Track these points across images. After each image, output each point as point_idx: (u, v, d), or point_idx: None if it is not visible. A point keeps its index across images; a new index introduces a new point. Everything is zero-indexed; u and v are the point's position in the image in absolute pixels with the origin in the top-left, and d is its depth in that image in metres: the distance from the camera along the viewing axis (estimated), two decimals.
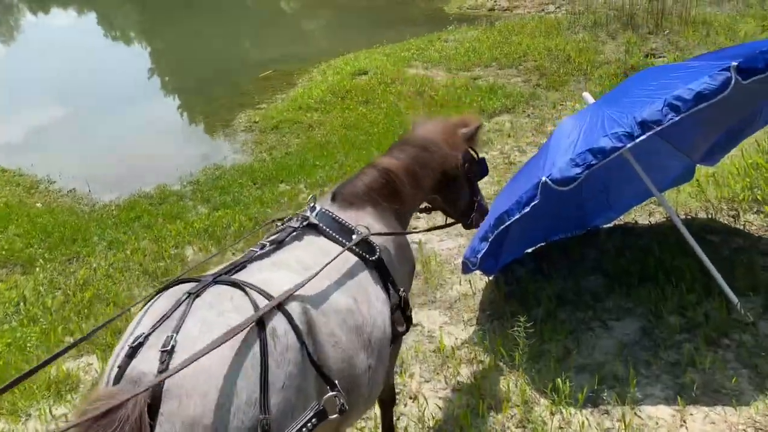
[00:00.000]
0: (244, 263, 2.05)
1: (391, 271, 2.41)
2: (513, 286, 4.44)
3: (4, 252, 5.95)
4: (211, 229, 6.14)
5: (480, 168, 3.17)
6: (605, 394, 3.31)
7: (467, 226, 3.30)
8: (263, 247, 2.16)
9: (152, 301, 1.88)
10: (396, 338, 2.39)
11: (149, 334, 1.67)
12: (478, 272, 4.29)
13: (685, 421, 3.08)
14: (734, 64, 3.06)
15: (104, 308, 4.92)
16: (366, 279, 2.28)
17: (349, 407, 1.95)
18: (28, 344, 4.49)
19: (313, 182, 7.08)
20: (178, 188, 7.65)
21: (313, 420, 1.80)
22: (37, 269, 5.65)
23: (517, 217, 3.44)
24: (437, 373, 3.69)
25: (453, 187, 3.06)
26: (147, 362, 1.61)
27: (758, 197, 5.01)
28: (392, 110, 9.05)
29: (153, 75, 15.36)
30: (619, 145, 3.21)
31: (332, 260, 2.15)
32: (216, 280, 1.88)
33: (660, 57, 9.87)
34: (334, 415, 1.88)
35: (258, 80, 11.99)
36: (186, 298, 1.77)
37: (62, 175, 8.30)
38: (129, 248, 5.91)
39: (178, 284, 1.91)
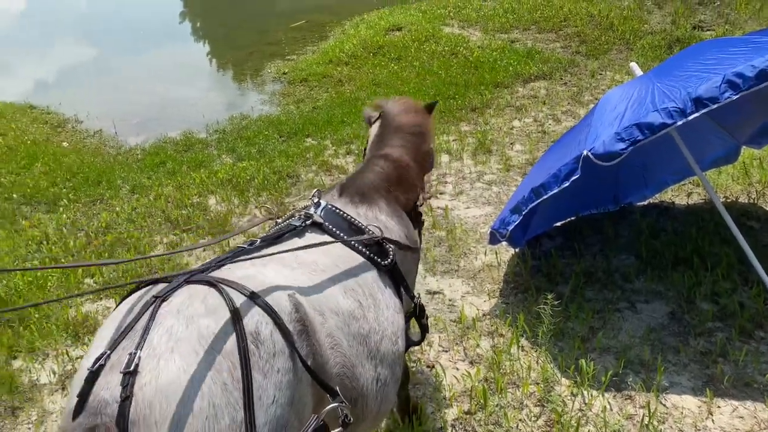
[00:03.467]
0: (226, 259, 1.79)
1: (404, 273, 2.20)
2: (540, 260, 4.31)
3: (29, 190, 5.95)
4: (235, 179, 6.07)
5: (432, 157, 2.89)
6: (630, 379, 3.21)
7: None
8: (252, 243, 1.92)
9: (116, 308, 1.62)
10: (409, 347, 2.21)
11: (109, 354, 1.41)
12: (504, 243, 4.17)
13: (711, 413, 2.98)
14: None
15: (125, 253, 4.91)
16: (375, 284, 2.04)
17: (354, 421, 1.73)
18: (49, 283, 4.50)
19: (339, 138, 6.95)
20: (203, 136, 7.58)
21: None
22: (61, 209, 5.65)
23: (555, 191, 3.30)
24: (456, 344, 3.62)
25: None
26: (108, 389, 1.35)
27: None
28: (424, 69, 8.81)
29: (184, 19, 15.17)
30: (669, 121, 3.01)
31: (316, 246, 1.91)
32: (188, 279, 1.61)
33: (708, 30, 9.42)
34: (338, 429, 1.65)
35: (289, 30, 11.76)
36: (152, 303, 1.51)
37: (89, 116, 8.28)
38: (152, 194, 5.88)
39: (147, 285, 1.66)
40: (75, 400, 1.37)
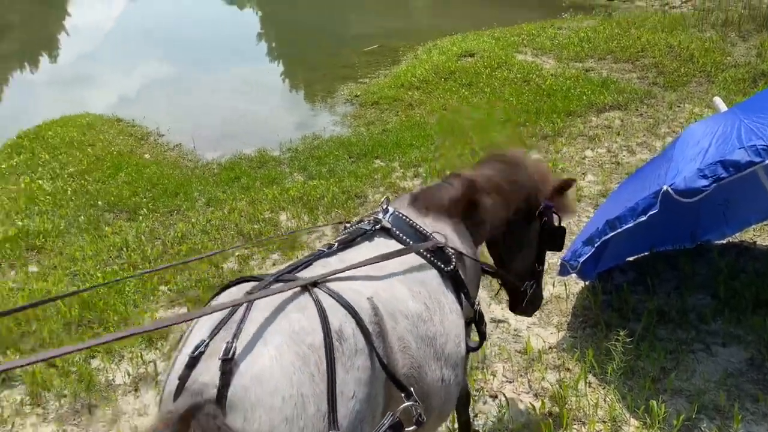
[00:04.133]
0: (309, 261, 1.92)
1: (465, 282, 2.25)
2: (611, 294, 4.20)
3: (112, 198, 6.28)
4: (305, 197, 6.21)
5: (555, 235, 2.77)
6: (704, 424, 3.07)
7: (513, 305, 2.96)
8: (330, 246, 2.04)
9: (210, 301, 1.79)
10: (469, 353, 2.24)
11: (208, 342, 1.53)
12: (573, 275, 4.09)
13: None
14: None
15: (198, 264, 5.09)
16: (440, 289, 2.12)
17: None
18: (127, 288, 4.71)
19: (407, 161, 7.01)
20: (277, 154, 7.81)
21: None
22: (141, 218, 5.93)
23: (630, 225, 3.23)
24: (521, 375, 3.56)
25: (520, 232, 2.72)
26: (207, 373, 1.47)
27: None
28: (496, 96, 8.80)
29: (261, 40, 15.72)
30: (757, 160, 2.91)
31: (394, 254, 2.01)
32: (277, 278, 1.76)
33: None
34: (411, 428, 1.73)
35: (363, 54, 12.00)
36: (245, 300, 1.65)
37: (170, 130, 8.67)
38: (226, 207, 6.08)
39: (237, 284, 1.80)
40: (176, 382, 1.50)
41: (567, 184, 2.78)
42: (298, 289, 1.70)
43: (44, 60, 13.95)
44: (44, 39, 15.31)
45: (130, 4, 21.45)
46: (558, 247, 2.82)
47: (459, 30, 12.49)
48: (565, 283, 4.36)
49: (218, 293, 1.81)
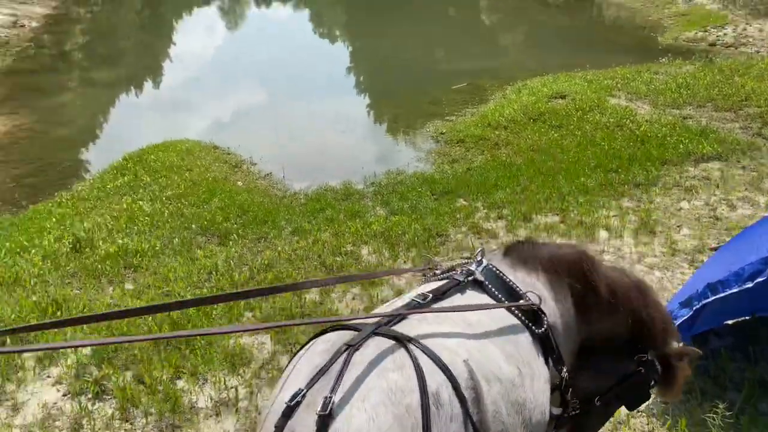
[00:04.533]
0: (404, 314, 1.90)
1: (557, 346, 2.15)
2: (707, 359, 3.95)
3: (205, 222, 6.56)
4: (387, 233, 6.25)
5: (638, 394, 2.40)
6: None
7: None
8: (425, 297, 2.02)
9: (309, 347, 1.79)
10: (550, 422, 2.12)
11: (306, 392, 1.56)
12: None
13: None
14: None
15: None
16: (531, 351, 2.05)
17: None
18: (214, 312, 4.88)
19: (491, 202, 6.95)
20: (361, 187, 7.94)
21: None
22: (231, 243, 6.15)
23: (734, 290, 3.04)
24: None
25: (605, 360, 2.39)
26: (304, 426, 1.49)
27: None
28: (586, 139, 8.62)
29: (350, 74, 16.15)
30: None
31: (482, 307, 1.97)
32: (376, 331, 1.76)
33: None
34: None
35: (450, 92, 12.08)
36: (345, 350, 1.66)
37: (262, 159, 9.01)
38: (311, 238, 6.21)
39: (335, 330, 1.82)
40: (272, 429, 1.53)
41: (688, 353, 2.43)
42: (395, 344, 1.70)
43: (148, 85, 14.91)
44: (150, 66, 16.38)
45: (229, 34, 22.66)
46: (629, 406, 2.49)
47: (549, 71, 12.37)
48: None
49: (315, 337, 1.82)
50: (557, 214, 6.54)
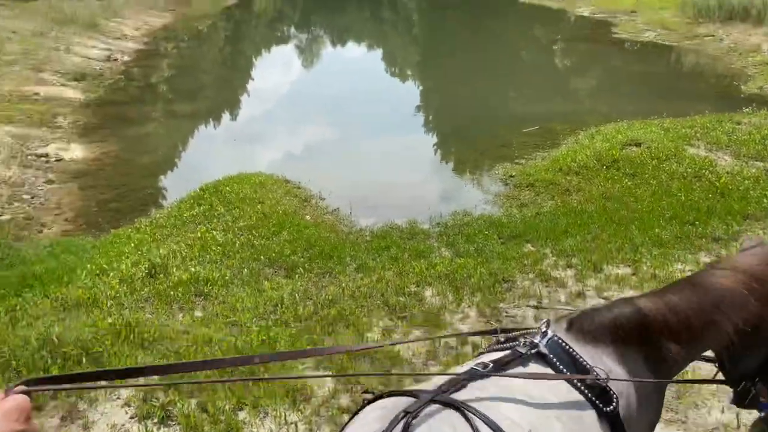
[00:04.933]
0: (464, 381, 1.85)
1: (627, 426, 2.02)
2: None
3: (274, 254, 6.72)
4: (452, 275, 6.20)
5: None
6: None
7: (738, 398, 2.54)
8: (485, 366, 1.96)
9: (364, 413, 1.75)
10: None
11: None
12: None
13: None
14: None
15: (344, 328, 5.24)
16: (596, 431, 1.94)
17: None
18: (277, 344, 4.94)
19: (560, 249, 6.80)
20: (426, 227, 7.94)
21: None
22: (297, 276, 6.25)
23: None
24: None
25: (753, 338, 2.34)
26: None
27: None
28: (662, 189, 8.36)
29: (419, 112, 16.33)
30: None
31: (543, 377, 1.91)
32: (434, 399, 1.72)
33: None
34: None
35: (521, 135, 12.01)
36: (403, 417, 1.62)
37: (331, 194, 9.18)
38: (375, 275, 6.24)
39: (390, 396, 1.78)
40: None
41: None
42: (454, 413, 1.66)
43: (226, 117, 15.54)
44: (228, 99, 17.11)
45: (304, 71, 23.44)
46: None
47: (624, 117, 12.12)
48: (737, 411, 3.89)
49: (370, 402, 1.79)
50: (629, 266, 6.32)
